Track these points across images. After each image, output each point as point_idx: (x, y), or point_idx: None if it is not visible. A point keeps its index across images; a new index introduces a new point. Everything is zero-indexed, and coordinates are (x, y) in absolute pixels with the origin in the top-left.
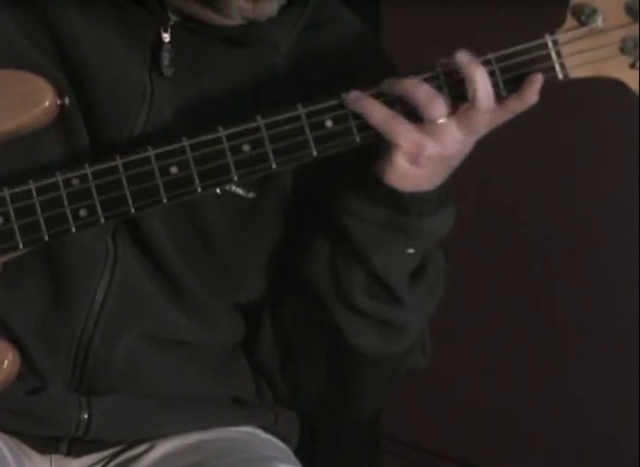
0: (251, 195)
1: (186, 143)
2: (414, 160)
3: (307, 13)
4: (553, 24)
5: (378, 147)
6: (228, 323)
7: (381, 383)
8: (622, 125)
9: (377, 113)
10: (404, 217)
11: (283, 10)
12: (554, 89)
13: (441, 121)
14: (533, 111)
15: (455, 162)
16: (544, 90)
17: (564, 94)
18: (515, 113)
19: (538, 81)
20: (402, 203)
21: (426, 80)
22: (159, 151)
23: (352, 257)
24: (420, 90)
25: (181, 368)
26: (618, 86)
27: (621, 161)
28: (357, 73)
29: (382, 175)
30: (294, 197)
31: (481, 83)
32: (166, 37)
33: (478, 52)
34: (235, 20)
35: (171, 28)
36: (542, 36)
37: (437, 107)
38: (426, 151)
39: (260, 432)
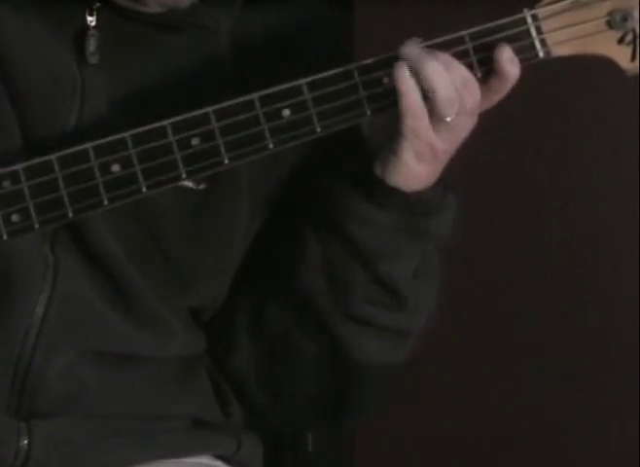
0: (202, 186)
1: (127, 135)
2: (422, 158)
3: None
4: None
5: (377, 144)
6: (183, 334)
7: (377, 392)
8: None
9: (416, 97)
10: (412, 218)
11: None
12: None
13: (450, 119)
14: (528, 106)
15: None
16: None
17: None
18: (502, 92)
19: (505, 51)
20: (408, 204)
21: None
22: (97, 144)
23: (354, 264)
24: (445, 83)
25: (132, 386)
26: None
27: (620, 155)
28: (311, 51)
29: (386, 175)
30: (254, 186)
31: (438, 82)
32: (92, 21)
33: (450, 29)
34: (152, 9)
35: (97, 12)
36: (520, 11)
37: (454, 106)
38: (436, 149)
39: (219, 464)
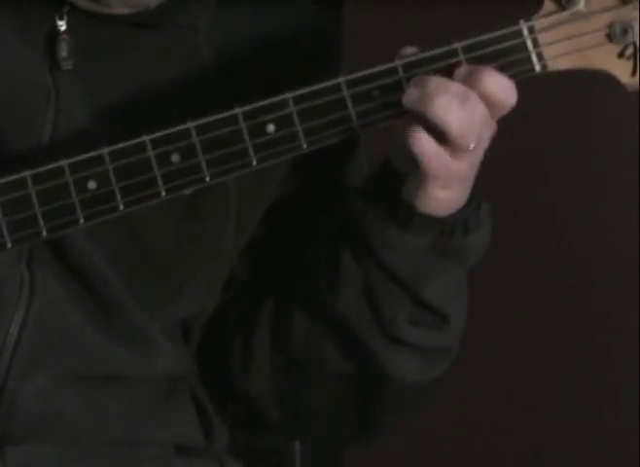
0: (187, 191)
1: (105, 152)
2: (450, 185)
3: None
4: (529, 8)
5: (402, 169)
6: (168, 350)
7: (409, 409)
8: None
9: (430, 149)
10: (451, 240)
11: None
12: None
13: (472, 146)
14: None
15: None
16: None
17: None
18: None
19: (497, 80)
20: (446, 227)
21: None
22: (73, 161)
23: (397, 291)
24: (456, 118)
25: (112, 410)
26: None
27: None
28: (294, 47)
29: (416, 204)
30: (242, 193)
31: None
32: (62, 25)
33: (443, 40)
34: (117, 9)
35: (67, 15)
36: (516, 22)
37: (472, 136)
38: (460, 176)
39: None
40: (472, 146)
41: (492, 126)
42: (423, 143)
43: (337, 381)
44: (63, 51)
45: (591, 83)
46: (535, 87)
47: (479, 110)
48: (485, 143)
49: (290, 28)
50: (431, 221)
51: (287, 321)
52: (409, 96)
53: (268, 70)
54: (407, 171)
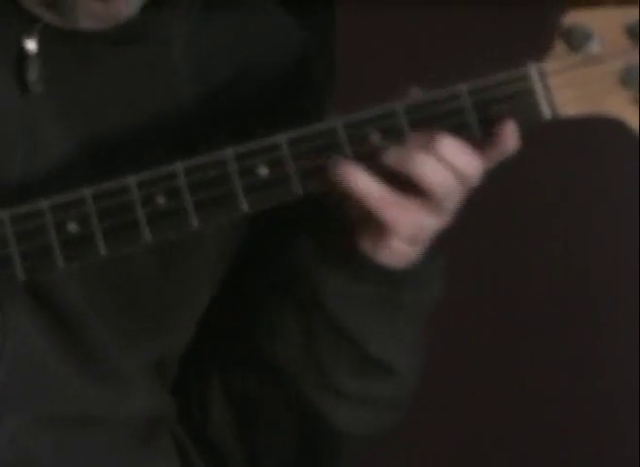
0: None
1: (86, 192)
2: (415, 241)
3: None
4: (538, 49)
5: (359, 218)
6: (147, 389)
7: (359, 452)
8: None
9: (374, 192)
10: (402, 293)
11: None
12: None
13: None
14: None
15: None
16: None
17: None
18: (497, 160)
19: (510, 127)
20: (398, 279)
21: None
22: (53, 203)
23: (339, 340)
24: (437, 177)
25: (88, 453)
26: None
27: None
28: (277, 70)
29: (374, 256)
30: (220, 230)
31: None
32: (32, 45)
33: (445, 80)
34: (85, 24)
35: (39, 34)
36: (524, 64)
37: (454, 195)
38: (429, 230)
39: None
40: (449, 203)
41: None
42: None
43: (289, 431)
44: (33, 73)
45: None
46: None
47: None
48: (457, 201)
49: (273, 50)
50: (382, 272)
51: (235, 370)
52: (390, 155)
53: (247, 91)
54: (366, 225)
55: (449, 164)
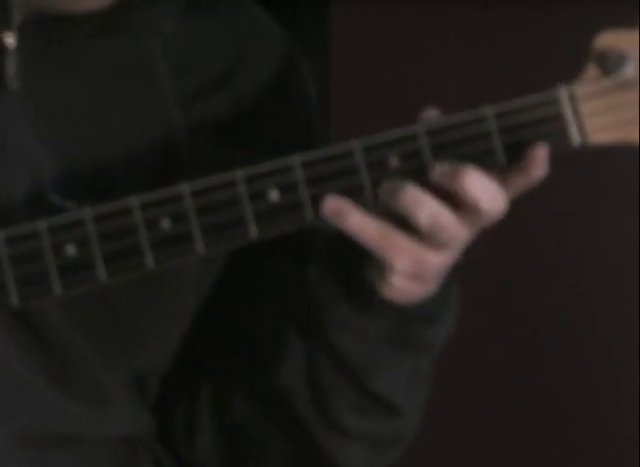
0: None
1: (86, 214)
2: (417, 278)
3: None
4: (568, 72)
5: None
6: (127, 406)
7: None
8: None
9: (367, 228)
10: (410, 329)
11: None
12: None
13: (452, 235)
14: None
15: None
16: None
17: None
18: (523, 189)
19: (541, 152)
20: (406, 314)
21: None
22: (52, 224)
23: (341, 377)
24: (424, 211)
25: None
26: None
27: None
28: (253, 63)
29: (378, 290)
30: None
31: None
32: (10, 40)
33: (469, 104)
34: (85, 4)
35: (18, 28)
36: (554, 86)
37: (446, 229)
38: (431, 267)
39: None
40: (449, 241)
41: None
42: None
43: (281, 461)
44: (10, 69)
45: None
46: None
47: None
48: (468, 236)
49: (257, 50)
50: (391, 308)
51: (228, 396)
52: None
53: (230, 92)
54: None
55: (470, 203)
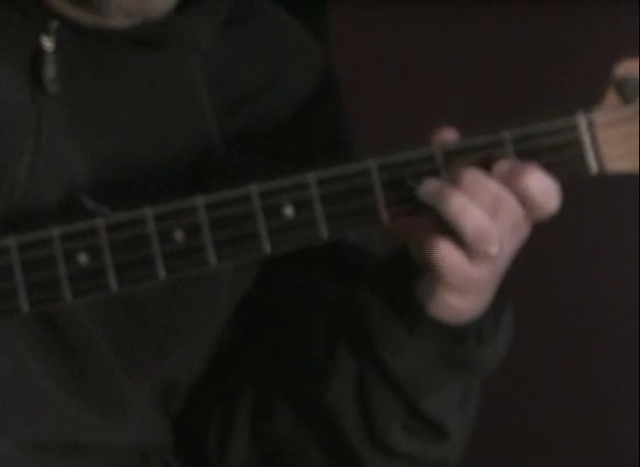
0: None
1: (100, 223)
2: (464, 292)
3: (228, 2)
4: (588, 99)
5: (419, 261)
6: (144, 418)
7: None
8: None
9: (442, 245)
10: (459, 348)
11: (196, 0)
12: None
13: (493, 251)
14: None
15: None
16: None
17: None
18: (539, 218)
19: (534, 178)
20: (455, 334)
21: None
22: (65, 231)
23: (393, 397)
24: (471, 219)
25: None
26: None
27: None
28: (292, 78)
29: (426, 307)
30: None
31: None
32: (49, 44)
33: (487, 127)
34: (117, 21)
35: (56, 32)
36: (572, 113)
37: (492, 240)
38: (479, 282)
39: None
40: (493, 253)
41: (523, 233)
42: (438, 244)
43: None
44: (50, 72)
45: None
46: None
47: (508, 215)
48: (511, 250)
49: (295, 67)
50: (441, 327)
51: (270, 408)
52: (426, 187)
53: (267, 109)
54: (423, 267)
55: (530, 199)
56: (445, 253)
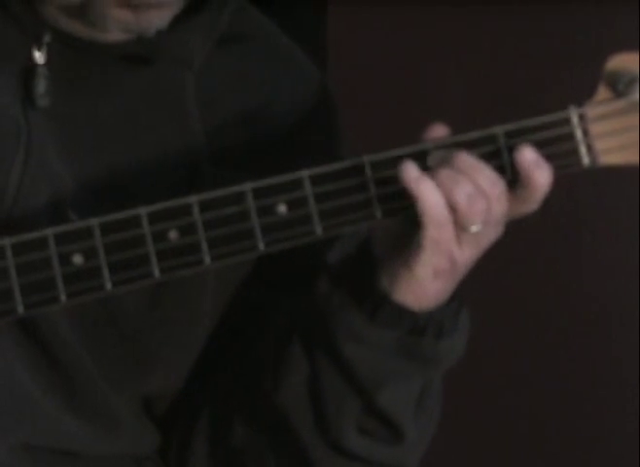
0: None
1: (94, 223)
2: (440, 273)
3: (223, 20)
4: (580, 93)
5: (386, 253)
6: (133, 427)
7: None
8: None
9: (438, 202)
10: (421, 340)
11: (190, 17)
12: None
13: (476, 228)
14: None
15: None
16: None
17: None
18: (531, 202)
19: (526, 152)
20: (417, 324)
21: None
22: (59, 231)
23: (348, 389)
24: (464, 190)
25: None
26: None
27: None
28: (287, 101)
29: (394, 291)
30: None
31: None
32: (40, 57)
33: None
34: (115, 36)
35: (48, 46)
36: (565, 107)
37: (479, 213)
38: (456, 263)
39: None
40: (477, 227)
41: (499, 223)
42: (423, 181)
43: None
44: (40, 86)
45: None
46: None
47: (490, 184)
48: (488, 239)
49: (288, 88)
50: (403, 313)
51: (226, 418)
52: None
53: (259, 130)
54: (390, 257)
55: (475, 175)
56: (440, 218)
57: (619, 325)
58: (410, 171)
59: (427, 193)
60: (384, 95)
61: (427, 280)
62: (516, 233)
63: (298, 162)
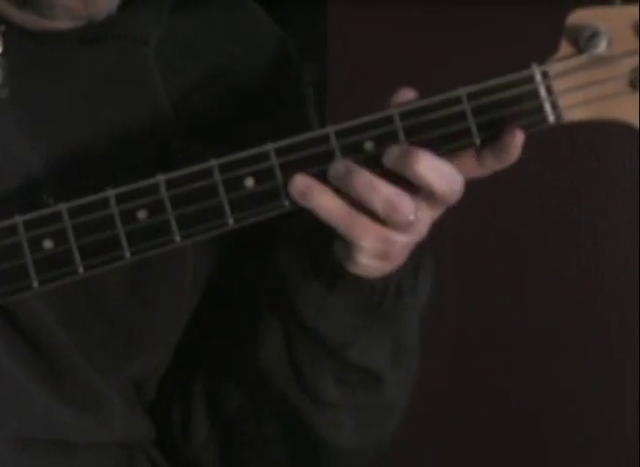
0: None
1: (62, 208)
2: (384, 256)
3: None
4: (542, 51)
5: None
6: (123, 413)
7: None
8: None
9: (334, 209)
10: (381, 301)
11: None
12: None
13: (411, 218)
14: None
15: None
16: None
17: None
18: (494, 170)
19: (517, 136)
20: (375, 287)
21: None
22: (28, 218)
23: (319, 352)
24: (379, 195)
25: None
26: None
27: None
28: (248, 60)
29: (345, 267)
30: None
31: (431, 176)
32: None
33: (443, 84)
34: (65, 23)
35: (3, 35)
36: (527, 66)
37: (403, 212)
38: (397, 245)
39: None
40: (411, 218)
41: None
42: (331, 210)
43: (275, 447)
44: None
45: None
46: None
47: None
48: (431, 217)
49: (250, 49)
50: (360, 282)
51: (218, 386)
52: (334, 168)
53: (224, 93)
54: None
55: (424, 186)
56: (369, 226)
57: (619, 325)
58: (299, 184)
59: (318, 202)
60: (384, 94)
61: (368, 263)
62: (517, 232)
63: (266, 127)
